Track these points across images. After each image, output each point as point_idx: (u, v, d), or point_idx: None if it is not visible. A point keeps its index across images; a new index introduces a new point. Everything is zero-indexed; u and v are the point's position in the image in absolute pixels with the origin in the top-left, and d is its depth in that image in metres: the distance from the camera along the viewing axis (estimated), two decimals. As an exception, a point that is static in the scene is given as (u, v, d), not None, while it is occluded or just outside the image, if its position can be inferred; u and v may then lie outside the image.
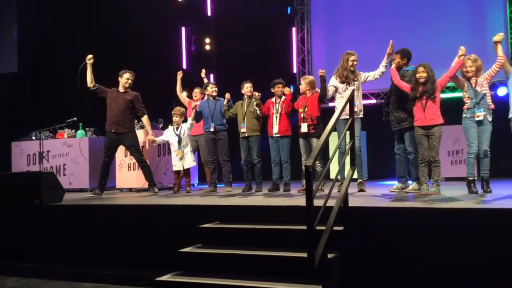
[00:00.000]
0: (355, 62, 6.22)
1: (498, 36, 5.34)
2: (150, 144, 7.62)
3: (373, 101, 10.34)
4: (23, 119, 10.97)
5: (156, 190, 6.99)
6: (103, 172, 6.91)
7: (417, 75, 5.40)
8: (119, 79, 7.03)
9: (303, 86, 6.55)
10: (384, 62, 6.11)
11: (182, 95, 8.02)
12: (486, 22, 9.60)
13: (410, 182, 5.97)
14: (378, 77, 6.26)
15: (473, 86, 5.39)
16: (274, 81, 6.75)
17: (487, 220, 3.85)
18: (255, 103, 6.71)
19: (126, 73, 7.03)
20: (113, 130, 6.88)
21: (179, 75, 7.88)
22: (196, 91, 7.87)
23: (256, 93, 6.72)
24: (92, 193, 6.88)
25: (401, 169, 6.00)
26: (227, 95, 6.91)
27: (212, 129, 6.97)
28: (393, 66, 5.81)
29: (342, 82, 6.24)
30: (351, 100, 4.61)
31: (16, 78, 12.13)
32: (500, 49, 5.34)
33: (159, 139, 7.36)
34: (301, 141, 6.49)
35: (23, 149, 8.91)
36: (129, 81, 7.01)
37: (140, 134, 7.96)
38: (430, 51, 8.69)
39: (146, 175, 7.02)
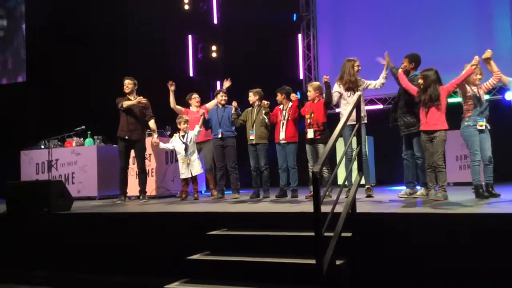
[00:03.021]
0: (360, 68, 6.25)
1: (487, 53, 5.33)
2: (155, 148, 7.73)
3: (380, 106, 10.31)
4: (32, 128, 11.06)
5: (147, 198, 7.22)
6: (123, 178, 7.14)
7: (418, 81, 5.46)
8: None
9: (312, 93, 6.50)
10: (384, 73, 6.15)
11: (177, 107, 7.68)
12: (492, 26, 9.56)
13: (418, 187, 5.94)
14: (379, 87, 6.30)
15: (478, 95, 5.40)
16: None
17: (496, 224, 3.82)
18: (263, 111, 6.73)
19: (125, 80, 7.22)
20: (126, 137, 7.07)
21: (171, 86, 7.45)
22: (196, 96, 7.79)
23: (265, 102, 6.73)
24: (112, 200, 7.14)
25: (409, 175, 5.97)
26: (234, 103, 6.93)
27: (220, 135, 7.01)
28: (400, 70, 5.81)
29: (348, 89, 6.23)
30: (357, 106, 4.60)
31: (24, 87, 12.27)
32: (493, 65, 5.35)
33: (163, 145, 7.41)
34: (307, 147, 6.48)
35: (32, 158, 8.97)
36: (131, 86, 7.18)
37: (148, 141, 8.03)
38: (436, 56, 8.63)
39: (141, 182, 7.25)
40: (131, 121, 7.08)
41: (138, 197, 7.36)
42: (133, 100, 7.11)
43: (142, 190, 7.24)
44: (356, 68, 6.22)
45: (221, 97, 7.20)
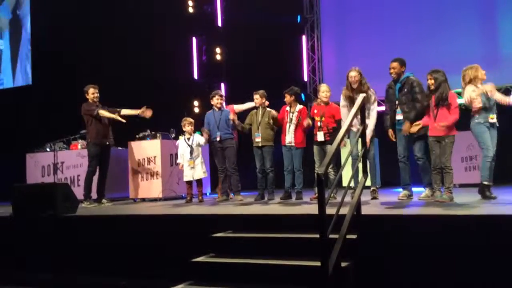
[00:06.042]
0: (355, 78, 5.98)
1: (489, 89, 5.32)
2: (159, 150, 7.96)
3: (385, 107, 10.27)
4: (37, 131, 11.10)
5: (90, 204, 7.22)
6: (91, 183, 7.30)
7: (428, 82, 5.47)
8: (86, 96, 7.38)
9: (326, 94, 6.43)
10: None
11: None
12: (495, 28, 9.50)
13: (421, 188, 5.92)
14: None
15: (485, 92, 5.40)
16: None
17: (502, 225, 3.80)
18: (271, 116, 6.73)
19: (90, 88, 7.39)
20: (107, 143, 7.35)
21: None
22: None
23: (274, 112, 6.72)
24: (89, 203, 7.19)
25: (406, 176, 5.93)
26: (231, 117, 6.98)
27: (218, 138, 7.02)
28: (415, 129, 5.50)
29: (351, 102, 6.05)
30: (362, 108, 4.59)
31: (30, 90, 12.34)
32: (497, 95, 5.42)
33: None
34: (315, 148, 6.45)
35: (37, 161, 9.00)
36: (96, 94, 7.37)
37: (157, 144, 8.04)
38: (440, 58, 8.63)
39: (98, 187, 7.43)
40: (104, 127, 7.33)
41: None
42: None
43: (87, 195, 7.31)
44: (350, 80, 6.02)
45: (216, 101, 7.18)
